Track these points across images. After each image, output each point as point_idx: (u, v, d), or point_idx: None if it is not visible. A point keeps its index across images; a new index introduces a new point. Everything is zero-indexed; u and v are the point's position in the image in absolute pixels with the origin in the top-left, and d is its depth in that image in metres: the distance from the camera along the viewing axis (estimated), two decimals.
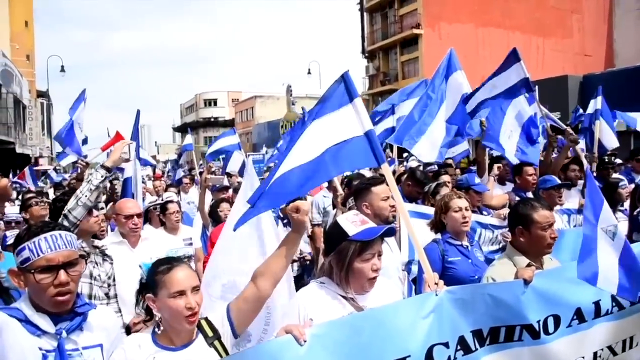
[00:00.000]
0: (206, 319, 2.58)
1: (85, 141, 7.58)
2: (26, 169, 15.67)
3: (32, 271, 2.22)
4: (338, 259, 2.69)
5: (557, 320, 2.83)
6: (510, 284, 2.83)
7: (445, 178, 6.44)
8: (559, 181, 5.63)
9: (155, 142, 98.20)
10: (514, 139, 7.07)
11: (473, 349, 2.65)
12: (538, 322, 2.77)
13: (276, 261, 2.66)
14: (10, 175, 14.53)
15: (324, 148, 2.89)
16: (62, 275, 2.25)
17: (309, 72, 45.83)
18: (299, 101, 48.58)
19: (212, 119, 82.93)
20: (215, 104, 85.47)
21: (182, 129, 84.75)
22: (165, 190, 9.60)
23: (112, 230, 6.82)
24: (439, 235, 4.31)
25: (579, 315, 2.86)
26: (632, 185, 6.38)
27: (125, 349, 2.44)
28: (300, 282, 5.86)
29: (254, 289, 2.61)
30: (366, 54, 47.63)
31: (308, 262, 6.47)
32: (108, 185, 7.65)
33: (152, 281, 2.49)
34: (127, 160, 3.59)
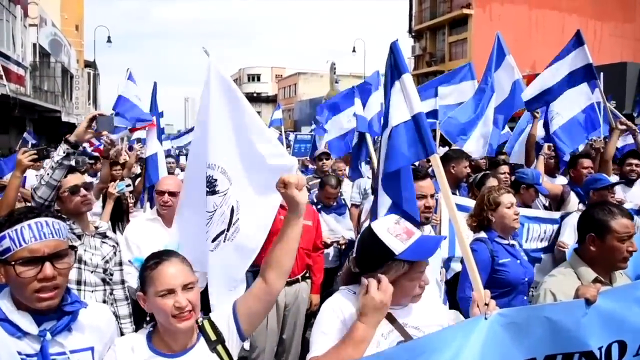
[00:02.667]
0: (209, 320, 2.27)
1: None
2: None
3: (13, 263, 1.92)
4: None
5: (622, 347, 2.39)
6: (570, 304, 2.41)
7: (504, 169, 6.01)
8: (611, 180, 5.07)
9: None
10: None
11: None
12: (600, 349, 2.34)
13: (280, 248, 2.29)
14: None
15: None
16: (48, 268, 1.94)
17: (353, 50, 44.95)
18: (342, 79, 48.08)
19: (255, 94, 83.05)
20: (258, 79, 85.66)
21: None
22: None
23: (142, 205, 6.67)
24: (483, 234, 3.88)
25: None
26: None
27: (117, 351, 2.16)
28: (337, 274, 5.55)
29: (262, 283, 2.28)
30: (413, 34, 46.68)
31: (343, 247, 6.05)
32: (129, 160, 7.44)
33: (141, 277, 2.21)
34: (99, 134, 3.20)
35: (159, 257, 2.22)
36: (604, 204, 3.04)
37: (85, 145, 14.02)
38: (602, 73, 9.52)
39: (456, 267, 4.53)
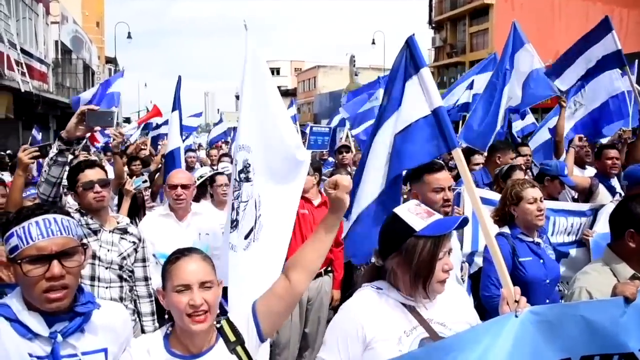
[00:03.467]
0: (228, 320, 2.19)
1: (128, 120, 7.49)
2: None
3: (20, 261, 1.85)
4: (405, 260, 2.20)
5: None
6: (607, 302, 2.28)
7: (526, 150, 5.91)
8: None
9: (218, 110, 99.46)
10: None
11: None
12: None
13: (312, 249, 2.21)
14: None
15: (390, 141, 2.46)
16: (55, 267, 1.86)
17: (373, 43, 44.68)
18: (362, 72, 47.89)
19: None
20: (278, 72, 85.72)
21: None
22: (220, 160, 9.27)
23: (162, 200, 6.64)
24: (506, 229, 3.73)
25: None
26: None
27: (132, 353, 2.10)
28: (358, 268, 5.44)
29: (286, 283, 2.18)
30: (433, 25, 46.27)
31: None
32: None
33: (163, 272, 2.16)
34: (91, 129, 3.10)
35: (181, 253, 2.17)
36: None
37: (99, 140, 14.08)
38: (637, 60, 9.35)
39: (480, 261, 4.39)
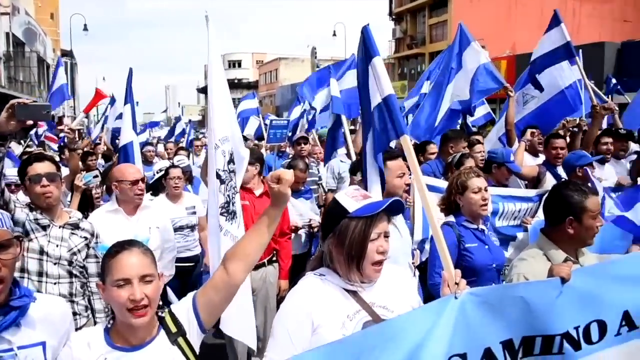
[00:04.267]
0: (170, 312, 2.19)
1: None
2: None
3: None
4: (338, 241, 2.24)
5: (602, 326, 2.34)
6: (545, 283, 2.35)
7: (480, 148, 6.05)
8: (591, 157, 5.07)
9: (179, 103, 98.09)
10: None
11: None
12: (576, 328, 2.30)
13: (252, 240, 2.22)
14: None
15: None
16: None
17: (334, 34, 44.71)
18: (323, 64, 47.70)
19: (236, 81, 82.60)
20: (239, 65, 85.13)
21: (206, 91, 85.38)
22: (176, 154, 9.19)
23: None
24: (452, 218, 3.82)
25: (628, 321, 2.36)
26: None
27: (72, 347, 2.07)
28: (308, 259, 5.48)
29: (223, 274, 2.18)
30: (393, 16, 46.61)
31: (316, 230, 5.98)
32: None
33: (102, 266, 2.15)
34: (23, 123, 2.99)
35: (120, 246, 2.13)
36: (574, 184, 2.99)
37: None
38: (580, 51, 9.67)
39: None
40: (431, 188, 4.69)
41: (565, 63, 6.99)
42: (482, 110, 10.35)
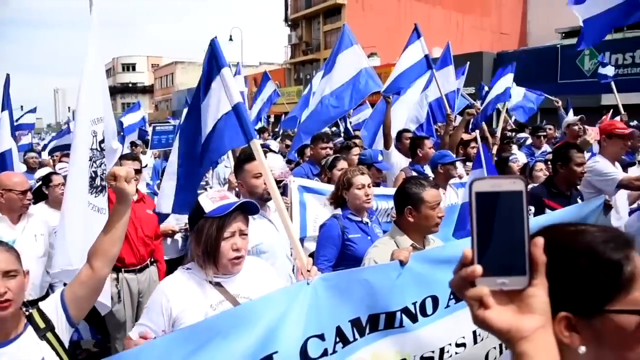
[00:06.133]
0: (38, 308, 2.29)
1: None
2: None
3: None
4: (196, 239, 2.47)
5: (435, 301, 2.74)
6: (385, 267, 2.70)
7: (356, 151, 6.37)
8: (454, 157, 5.65)
9: (69, 108, 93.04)
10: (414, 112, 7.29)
11: (351, 339, 2.50)
12: (414, 304, 2.67)
13: (106, 238, 2.36)
14: None
15: (205, 134, 2.72)
16: None
17: (230, 39, 44.52)
18: None
19: (131, 85, 79.91)
20: (133, 68, 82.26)
21: None
22: (60, 160, 8.95)
23: None
24: (339, 211, 4.16)
25: (455, 295, 2.78)
26: (524, 161, 6.58)
27: None
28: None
29: (89, 270, 2.34)
30: (289, 22, 47.06)
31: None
32: None
33: None
34: None
35: None
36: (415, 179, 3.40)
37: None
38: (468, 63, 10.52)
39: (310, 246, 4.80)
40: (306, 189, 5.04)
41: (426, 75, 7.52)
42: (367, 113, 10.96)
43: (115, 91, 74.76)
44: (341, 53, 6.68)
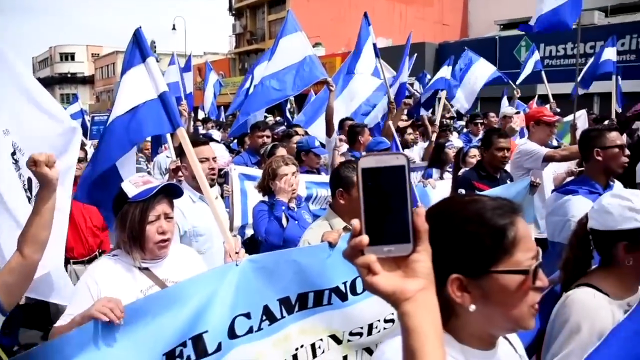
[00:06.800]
0: None
1: None
2: None
3: None
4: (121, 224, 2.50)
5: None
6: (315, 248, 2.80)
7: (297, 139, 6.45)
8: (389, 143, 5.82)
9: None
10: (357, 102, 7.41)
11: (279, 317, 2.58)
12: (344, 283, 2.75)
13: (35, 223, 2.35)
14: None
15: (116, 115, 2.72)
16: None
17: (173, 28, 43.69)
18: (163, 58, 46.37)
19: (70, 75, 77.10)
20: (72, 58, 79.44)
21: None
22: None
23: None
24: (266, 198, 4.23)
25: None
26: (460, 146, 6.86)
27: None
28: None
29: (18, 257, 2.32)
30: (233, 12, 46.56)
31: None
32: None
33: None
34: None
35: None
36: (348, 162, 3.51)
37: None
38: (415, 54, 10.76)
39: (249, 233, 4.86)
40: (246, 177, 5.10)
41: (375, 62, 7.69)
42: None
43: (53, 82, 72.16)
44: (284, 37, 6.69)
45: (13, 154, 3.40)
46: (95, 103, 61.59)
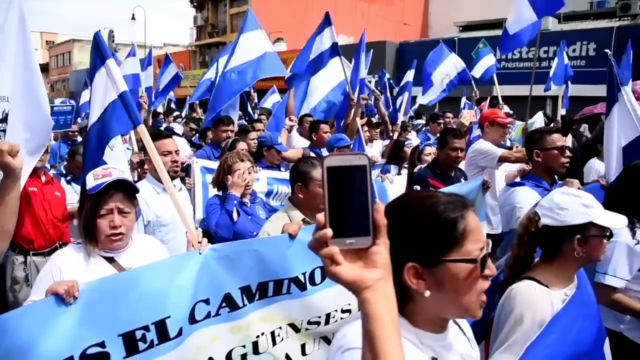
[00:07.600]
0: None
1: None
2: None
3: None
4: (79, 215, 2.58)
5: (324, 271, 2.95)
6: (275, 238, 2.89)
7: (254, 135, 6.49)
8: (349, 140, 5.96)
9: None
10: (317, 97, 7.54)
11: (241, 305, 2.65)
12: (304, 274, 2.85)
13: (1, 212, 2.33)
14: None
15: (92, 122, 2.79)
16: None
17: (133, 18, 42.88)
18: (122, 48, 45.50)
19: None
20: None
21: None
22: None
23: None
24: (220, 193, 4.29)
25: None
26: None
27: None
28: None
29: None
30: (195, 4, 46.00)
31: None
32: None
33: None
34: None
35: None
36: (307, 158, 3.62)
37: None
38: (372, 51, 10.95)
39: None
40: (208, 170, 5.14)
41: (334, 61, 7.78)
42: (274, 97, 11.15)
43: None
44: (244, 34, 6.78)
45: (2, 120, 3.38)
46: (50, 92, 59.92)
